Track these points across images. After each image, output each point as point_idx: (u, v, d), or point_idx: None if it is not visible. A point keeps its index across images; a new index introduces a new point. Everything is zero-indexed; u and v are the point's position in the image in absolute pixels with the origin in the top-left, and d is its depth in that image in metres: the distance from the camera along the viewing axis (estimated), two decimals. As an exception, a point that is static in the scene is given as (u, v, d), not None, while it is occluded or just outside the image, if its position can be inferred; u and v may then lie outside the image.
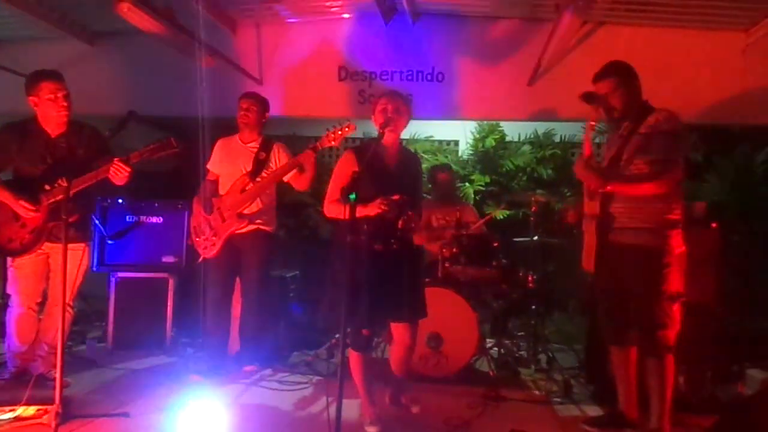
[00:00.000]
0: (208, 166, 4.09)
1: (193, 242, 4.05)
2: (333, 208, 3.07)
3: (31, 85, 3.42)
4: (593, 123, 3.01)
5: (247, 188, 3.87)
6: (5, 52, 5.25)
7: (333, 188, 3.12)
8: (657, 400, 2.86)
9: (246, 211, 3.89)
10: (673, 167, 2.83)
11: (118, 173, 3.28)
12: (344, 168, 3.07)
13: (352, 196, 2.53)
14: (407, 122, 3.23)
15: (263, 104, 4.06)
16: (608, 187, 2.91)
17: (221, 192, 3.99)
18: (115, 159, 3.27)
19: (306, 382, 3.80)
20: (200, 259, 3.98)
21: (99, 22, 5.12)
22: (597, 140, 6.22)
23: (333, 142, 3.61)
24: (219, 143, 4.11)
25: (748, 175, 5.41)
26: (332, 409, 2.42)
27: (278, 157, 3.98)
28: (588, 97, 3.00)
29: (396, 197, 2.91)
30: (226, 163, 4.02)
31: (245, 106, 4.00)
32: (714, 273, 3.43)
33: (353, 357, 3.11)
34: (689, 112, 4.71)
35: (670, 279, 2.85)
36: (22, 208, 3.34)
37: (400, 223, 2.94)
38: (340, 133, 3.56)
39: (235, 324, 4.08)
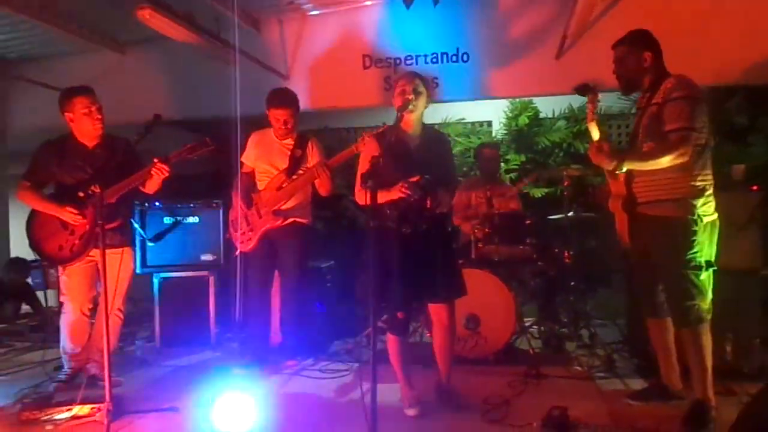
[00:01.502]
0: (243, 159, 4.10)
1: (230, 235, 4.14)
2: (360, 195, 3.08)
3: (65, 101, 3.57)
4: (592, 108, 2.93)
5: (283, 186, 3.91)
6: (41, 68, 5.47)
7: (358, 176, 3.13)
8: (697, 370, 2.78)
9: (282, 208, 3.94)
10: (687, 134, 2.71)
11: (159, 173, 3.41)
12: (366, 154, 3.08)
13: (364, 185, 2.55)
14: (428, 102, 3.20)
15: (297, 105, 4.00)
16: (623, 168, 2.84)
17: (258, 188, 4.04)
18: (155, 159, 3.38)
19: (346, 370, 3.85)
20: (237, 253, 4.06)
21: (128, 31, 5.26)
22: (633, 110, 6.09)
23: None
24: (253, 137, 4.12)
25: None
26: (368, 395, 2.43)
27: (313, 153, 4.00)
28: (580, 89, 2.95)
29: (416, 179, 2.90)
30: (262, 160, 4.04)
31: (283, 118, 3.92)
32: (758, 237, 3.30)
33: (391, 341, 3.12)
34: (728, 75, 4.55)
35: (698, 248, 2.76)
36: (69, 213, 3.49)
37: (428, 202, 2.93)
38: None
39: (276, 316, 4.15)
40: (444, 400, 3.21)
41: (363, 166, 3.02)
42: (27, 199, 3.57)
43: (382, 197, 2.89)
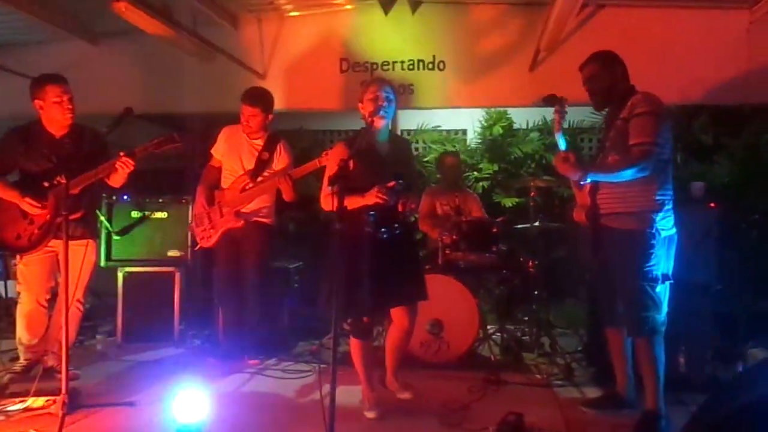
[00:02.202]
0: (212, 151, 4.10)
1: (191, 229, 4.12)
2: (326, 200, 3.00)
3: (37, 88, 3.52)
4: (558, 119, 3.02)
5: (247, 188, 3.91)
6: (12, 55, 5.37)
7: (325, 179, 3.08)
8: (649, 380, 2.85)
9: (244, 210, 3.93)
10: (649, 149, 2.79)
11: (124, 167, 3.37)
12: (334, 158, 3.06)
13: (329, 188, 2.57)
14: (396, 109, 3.23)
15: (267, 105, 3.99)
16: (588, 179, 2.91)
17: (223, 185, 4.04)
18: (121, 153, 3.35)
19: (309, 371, 3.85)
20: (197, 248, 4.06)
21: (102, 22, 5.20)
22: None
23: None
24: (225, 130, 4.11)
25: (758, 156, 5.32)
26: (326, 395, 2.46)
27: (281, 157, 4.00)
28: (546, 100, 3.02)
29: (392, 184, 2.92)
30: (229, 156, 4.03)
31: (247, 114, 3.93)
32: (714, 252, 3.40)
33: (354, 344, 3.14)
34: (695, 94, 4.66)
35: (655, 261, 2.83)
36: (29, 204, 3.44)
37: (400, 207, 2.96)
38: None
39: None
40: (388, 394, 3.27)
41: (330, 170, 3.02)
42: None
43: (352, 203, 2.90)
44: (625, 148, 2.85)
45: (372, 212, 2.97)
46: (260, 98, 3.97)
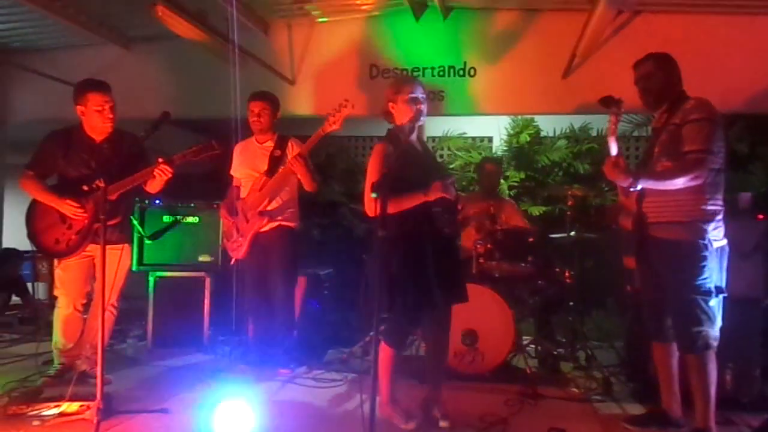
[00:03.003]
0: (231, 172, 4.13)
1: (224, 246, 4.11)
2: (371, 207, 2.88)
3: (79, 94, 3.53)
4: (614, 121, 2.90)
5: (265, 186, 3.89)
6: (47, 60, 5.43)
7: (368, 186, 2.96)
8: (700, 398, 2.76)
9: (267, 208, 3.91)
10: (703, 157, 2.71)
11: (162, 174, 3.37)
12: (377, 162, 2.97)
13: (374, 195, 2.50)
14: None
15: (274, 104, 4.03)
16: (638, 186, 2.81)
17: (242, 195, 4.03)
18: (160, 159, 3.34)
19: (341, 380, 3.80)
20: (232, 261, 4.06)
21: (135, 27, 5.25)
22: (635, 133, 6.12)
23: (335, 126, 3.59)
24: (237, 148, 4.13)
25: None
26: (366, 406, 2.40)
27: (293, 152, 3.95)
28: (605, 101, 2.92)
29: (451, 179, 2.88)
30: (244, 166, 4.04)
31: (257, 110, 3.95)
32: (761, 266, 3.29)
33: (386, 351, 3.00)
34: (731, 102, 4.57)
35: (708, 274, 2.75)
36: (69, 206, 3.43)
37: (459, 203, 2.94)
38: (339, 114, 3.54)
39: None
40: (432, 416, 3.10)
41: (373, 176, 2.95)
42: (29, 188, 3.52)
43: (408, 202, 2.84)
44: (677, 155, 2.77)
45: (437, 209, 2.89)
46: (266, 94, 4.04)
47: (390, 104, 3.09)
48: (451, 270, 3.01)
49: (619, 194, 3.08)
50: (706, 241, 2.75)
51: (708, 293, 2.74)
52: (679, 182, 2.73)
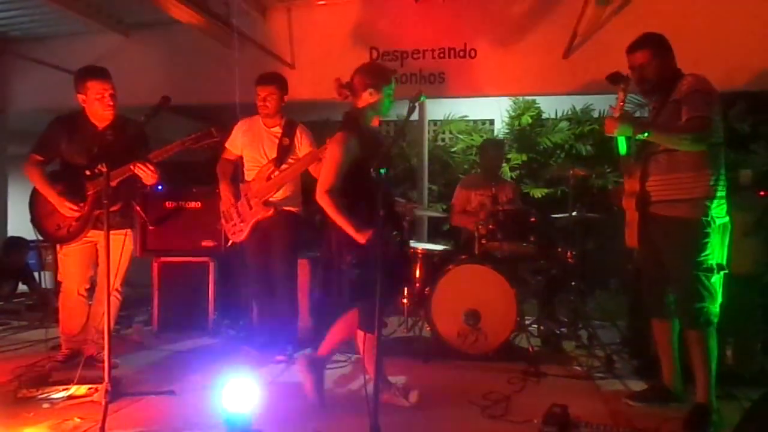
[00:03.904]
0: (227, 145, 4.05)
1: (221, 227, 4.12)
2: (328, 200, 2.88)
3: (80, 83, 3.52)
4: (622, 98, 2.86)
5: (273, 176, 3.87)
6: (47, 48, 5.42)
7: (331, 174, 2.89)
8: (701, 373, 2.78)
9: (272, 199, 3.91)
10: (706, 120, 2.69)
11: (143, 172, 3.38)
12: (341, 154, 2.91)
13: (383, 171, 2.49)
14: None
15: (282, 87, 3.95)
16: (646, 134, 2.76)
17: (247, 177, 4.01)
18: (137, 163, 3.35)
19: (345, 361, 3.83)
20: (229, 244, 4.06)
21: (133, 14, 5.23)
22: (637, 114, 6.10)
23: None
24: (241, 123, 4.07)
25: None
26: (369, 386, 2.43)
27: (302, 142, 3.95)
28: (612, 78, 2.90)
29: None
30: (250, 147, 4.00)
31: (264, 95, 3.89)
32: (763, 243, 3.31)
33: (371, 339, 2.94)
34: (733, 80, 4.55)
35: (710, 250, 2.76)
36: (67, 209, 3.46)
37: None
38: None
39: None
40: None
41: (332, 171, 2.91)
42: (32, 175, 3.53)
43: (336, 215, 2.89)
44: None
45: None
46: (274, 77, 3.98)
47: (368, 90, 3.00)
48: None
49: (623, 174, 3.07)
50: (708, 218, 2.75)
51: (710, 270, 2.75)
52: (685, 142, 2.72)
